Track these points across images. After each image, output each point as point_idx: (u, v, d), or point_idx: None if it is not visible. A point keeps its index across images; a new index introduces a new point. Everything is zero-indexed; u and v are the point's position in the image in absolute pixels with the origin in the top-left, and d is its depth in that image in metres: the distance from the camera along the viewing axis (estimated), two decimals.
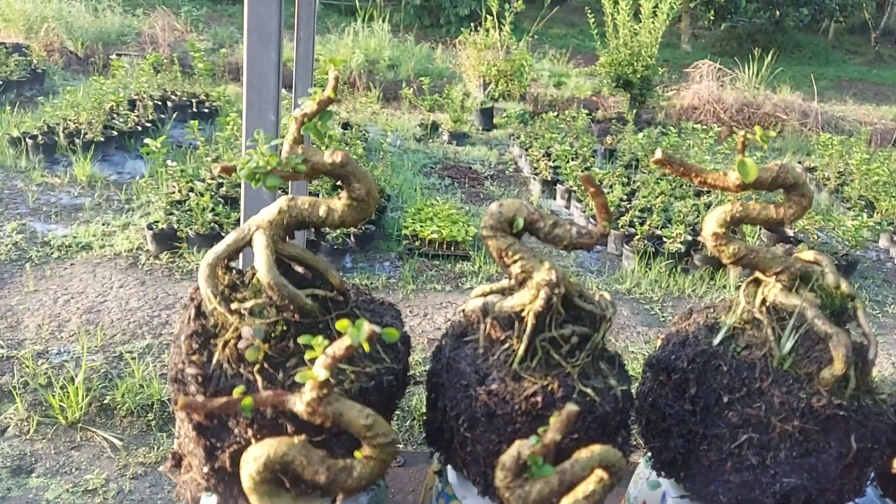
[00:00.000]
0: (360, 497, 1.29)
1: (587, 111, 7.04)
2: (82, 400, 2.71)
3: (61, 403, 2.67)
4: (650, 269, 3.93)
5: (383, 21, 9.49)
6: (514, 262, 1.22)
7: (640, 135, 5.98)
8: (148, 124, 5.79)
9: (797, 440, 1.21)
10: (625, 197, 4.68)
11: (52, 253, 3.94)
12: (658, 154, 1.25)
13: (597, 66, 8.22)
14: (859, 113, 9.43)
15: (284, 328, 1.14)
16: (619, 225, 4.23)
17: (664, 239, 3.97)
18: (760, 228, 4.39)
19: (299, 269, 1.26)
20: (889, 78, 12.23)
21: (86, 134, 5.21)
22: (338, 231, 3.70)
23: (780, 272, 1.28)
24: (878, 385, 1.30)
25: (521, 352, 1.19)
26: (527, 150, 5.81)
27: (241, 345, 1.11)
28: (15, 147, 5.08)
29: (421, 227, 3.98)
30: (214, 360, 1.12)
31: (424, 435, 1.34)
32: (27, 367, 2.94)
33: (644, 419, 1.40)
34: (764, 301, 1.29)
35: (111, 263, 4.02)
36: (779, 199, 1.31)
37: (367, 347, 0.94)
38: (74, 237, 4.12)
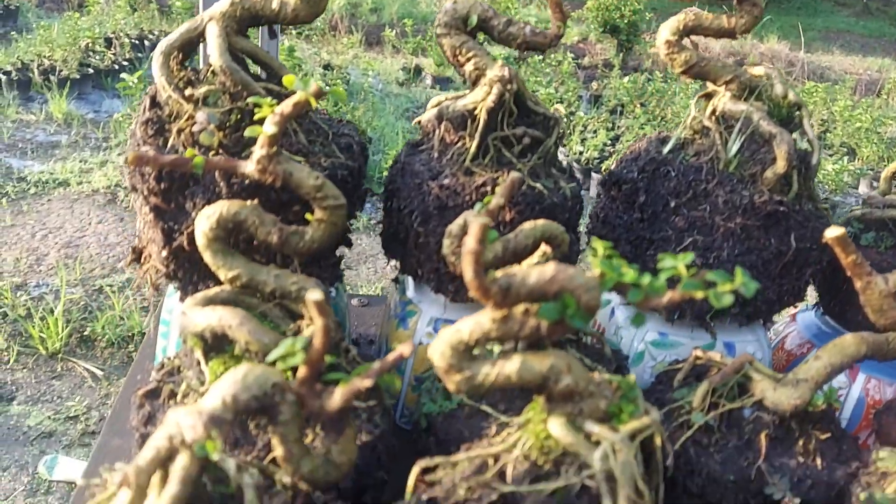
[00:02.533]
0: None
1: (574, 57, 6.97)
2: (62, 331, 2.72)
3: (41, 334, 2.68)
4: None
5: None
6: (468, 59, 1.24)
7: (626, 79, 5.95)
8: (125, 63, 5.70)
9: (739, 238, 1.26)
10: (608, 142, 4.69)
11: (29, 189, 3.91)
12: None
13: (584, 10, 8.13)
14: (845, 63, 9.43)
15: (239, 117, 1.16)
16: (603, 169, 4.27)
17: None
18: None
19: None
20: (876, 30, 12.20)
21: (61, 71, 5.13)
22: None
23: (729, 81, 1.30)
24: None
25: (473, 149, 1.22)
26: None
27: (195, 129, 1.13)
28: None
29: None
30: (169, 145, 1.14)
31: (381, 242, 1.38)
32: (6, 298, 2.94)
33: (597, 237, 1.44)
34: (714, 111, 1.32)
35: (89, 200, 4.00)
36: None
37: (314, 103, 0.96)
38: (51, 174, 4.09)
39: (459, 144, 1.24)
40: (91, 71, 5.18)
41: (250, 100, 1.01)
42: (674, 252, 1.30)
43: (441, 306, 1.34)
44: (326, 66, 5.92)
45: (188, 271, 1.19)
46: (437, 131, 1.28)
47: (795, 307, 1.38)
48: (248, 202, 1.02)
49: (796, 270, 1.30)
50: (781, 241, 1.26)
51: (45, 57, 5.10)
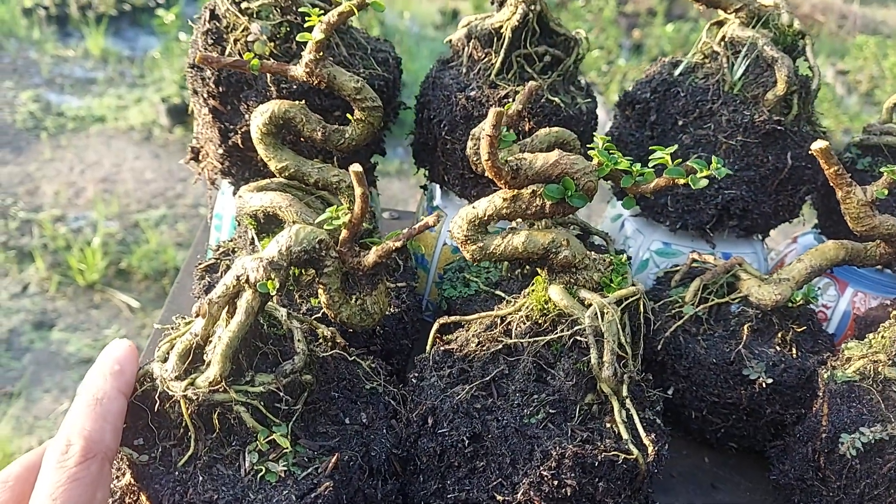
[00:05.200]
0: None
1: (617, 2, 6.85)
2: (100, 263, 2.82)
3: (80, 265, 2.78)
4: None
5: None
6: None
7: (670, 27, 5.86)
8: (161, 1, 5.75)
9: (739, 154, 1.37)
10: None
11: (67, 124, 4.00)
12: None
13: None
14: None
15: (288, 29, 1.29)
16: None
17: None
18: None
19: None
20: None
21: (98, 7, 5.19)
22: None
23: (739, 9, 1.39)
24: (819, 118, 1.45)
25: (497, 64, 1.34)
26: None
27: (249, 38, 1.27)
28: (27, 17, 5.11)
29: None
30: (227, 53, 1.28)
31: (412, 152, 1.52)
32: (46, 229, 3.06)
33: None
34: (723, 37, 1.42)
35: (125, 136, 4.09)
36: None
37: (356, 12, 1.10)
38: (89, 109, 4.16)
39: (486, 60, 1.36)
40: (128, 7, 5.29)
41: (301, 9, 1.14)
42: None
43: None
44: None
45: (241, 168, 1.35)
46: (465, 48, 1.40)
47: (791, 223, 1.50)
48: (297, 103, 1.16)
49: (791, 187, 1.41)
50: (778, 159, 1.37)
51: None
